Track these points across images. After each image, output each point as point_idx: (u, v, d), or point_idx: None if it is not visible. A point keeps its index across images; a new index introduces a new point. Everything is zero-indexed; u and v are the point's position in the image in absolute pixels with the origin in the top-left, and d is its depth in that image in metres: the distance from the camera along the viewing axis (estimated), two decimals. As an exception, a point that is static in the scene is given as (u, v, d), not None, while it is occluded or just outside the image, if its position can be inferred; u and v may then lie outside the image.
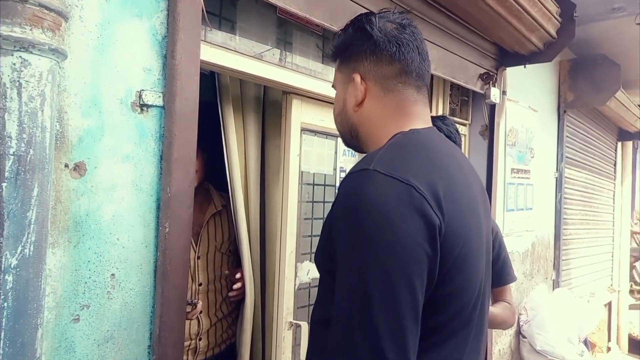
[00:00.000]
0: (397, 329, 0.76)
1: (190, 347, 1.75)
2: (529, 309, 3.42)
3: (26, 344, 0.91)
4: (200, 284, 1.77)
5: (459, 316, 0.88)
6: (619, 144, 5.72)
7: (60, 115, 1.07)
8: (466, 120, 2.96)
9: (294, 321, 1.91)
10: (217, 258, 1.81)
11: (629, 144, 6.02)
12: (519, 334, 3.45)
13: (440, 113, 2.74)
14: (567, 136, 4.16)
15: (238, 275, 1.81)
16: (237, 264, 1.92)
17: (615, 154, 5.66)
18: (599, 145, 5.03)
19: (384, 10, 1.00)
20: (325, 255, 0.91)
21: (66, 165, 1.08)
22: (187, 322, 1.69)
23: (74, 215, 1.10)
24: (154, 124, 1.25)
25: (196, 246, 1.78)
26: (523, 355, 3.39)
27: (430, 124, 1.00)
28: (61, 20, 0.95)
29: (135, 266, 1.22)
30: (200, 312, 1.76)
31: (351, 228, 0.79)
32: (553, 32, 2.69)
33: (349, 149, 1.20)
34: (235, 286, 1.82)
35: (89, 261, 1.13)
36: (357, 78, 0.98)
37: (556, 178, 4.05)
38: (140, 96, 1.22)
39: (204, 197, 1.87)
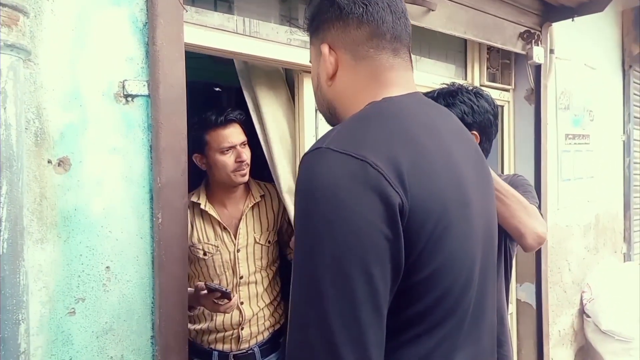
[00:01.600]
0: (352, 322, 0.68)
1: (233, 336, 1.75)
2: (592, 286, 3.16)
3: (7, 339, 0.92)
4: (241, 277, 1.75)
5: (443, 303, 0.77)
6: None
7: (38, 112, 1.07)
8: (509, 85, 2.73)
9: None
10: (256, 250, 1.78)
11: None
12: (582, 312, 3.20)
13: (477, 81, 2.55)
14: (635, 94, 3.76)
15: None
16: (279, 255, 1.90)
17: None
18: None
19: None
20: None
21: (49, 161, 1.09)
22: (229, 313, 1.68)
23: (61, 211, 1.11)
24: (140, 114, 1.23)
25: (235, 239, 1.76)
26: (587, 336, 3.14)
27: (412, 89, 0.88)
28: (18, 15, 0.93)
29: (131, 258, 1.22)
30: (242, 303, 1.76)
31: (303, 212, 0.72)
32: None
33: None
34: None
35: (81, 255, 1.14)
36: (325, 49, 0.89)
37: (623, 141, 3.68)
38: (123, 86, 1.20)
39: (243, 189, 1.85)
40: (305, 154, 0.76)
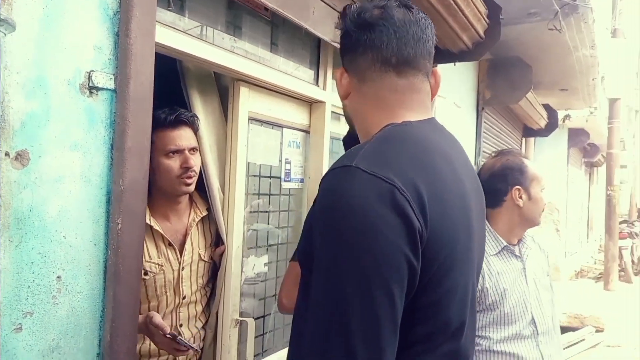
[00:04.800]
0: (374, 339, 0.72)
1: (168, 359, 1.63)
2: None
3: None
4: (184, 297, 1.62)
5: (448, 325, 0.85)
6: (524, 140, 6.22)
7: (1, 96, 0.92)
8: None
9: (240, 318, 1.85)
10: (200, 267, 1.67)
11: (531, 140, 6.57)
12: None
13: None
14: (484, 132, 4.43)
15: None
16: (213, 272, 1.80)
17: (521, 149, 6.15)
18: (509, 140, 5.43)
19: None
20: (306, 254, 0.86)
21: (7, 154, 0.94)
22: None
23: (15, 211, 0.96)
24: (104, 109, 1.13)
25: (180, 256, 1.62)
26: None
27: (428, 114, 0.95)
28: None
29: (84, 267, 1.10)
30: (181, 325, 1.64)
31: (330, 229, 0.75)
32: (481, 33, 2.84)
33: None
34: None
35: (32, 262, 0.99)
36: (337, 73, 0.99)
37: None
38: (90, 77, 1.09)
39: (188, 201, 1.70)
40: (333, 170, 0.80)
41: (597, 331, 6.08)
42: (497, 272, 1.60)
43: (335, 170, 0.80)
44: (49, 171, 1.02)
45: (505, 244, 1.66)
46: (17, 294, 0.97)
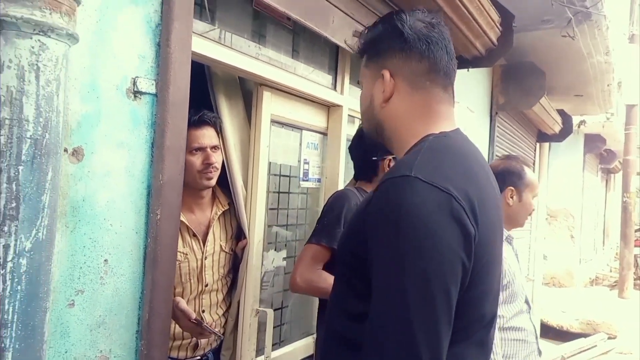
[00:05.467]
0: (434, 335, 0.79)
1: (190, 344, 1.74)
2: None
3: (36, 327, 0.91)
4: (206, 285, 1.75)
5: (482, 319, 0.93)
6: (538, 145, 6.26)
7: (64, 100, 1.05)
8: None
9: (260, 308, 1.97)
10: (221, 258, 1.81)
11: (546, 145, 6.60)
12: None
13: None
14: (497, 136, 4.50)
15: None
16: (234, 264, 1.93)
17: (534, 154, 6.19)
18: (523, 145, 5.48)
19: (414, 9, 1.00)
20: (351, 254, 0.93)
21: (65, 150, 1.07)
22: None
23: (71, 200, 1.09)
24: (146, 112, 1.26)
25: (203, 246, 1.75)
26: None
27: (455, 125, 1.01)
28: (75, 5, 0.94)
29: (127, 252, 1.23)
30: (203, 311, 1.77)
31: (391, 235, 0.80)
32: (494, 40, 2.93)
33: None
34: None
35: (84, 246, 1.12)
36: (387, 74, 0.98)
37: (487, 175, 4.37)
38: (135, 83, 1.22)
39: (211, 195, 1.84)
40: (391, 179, 0.86)
41: (609, 338, 6.08)
42: (504, 256, 1.77)
43: (395, 179, 0.84)
44: (99, 166, 1.15)
45: (508, 233, 1.88)
46: (71, 273, 1.10)
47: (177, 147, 1.29)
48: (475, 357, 0.94)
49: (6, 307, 0.86)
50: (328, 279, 1.58)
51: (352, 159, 1.96)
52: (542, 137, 6.01)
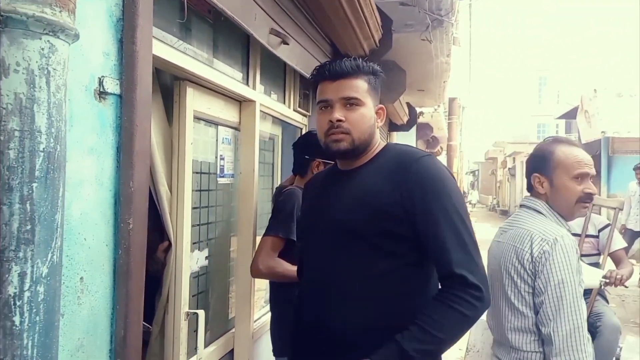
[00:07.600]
0: (474, 244, 1.21)
1: None
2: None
3: (54, 359, 0.82)
4: None
5: None
6: (388, 134, 6.93)
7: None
8: (307, 112, 3.26)
9: (190, 310, 1.92)
10: None
11: (394, 134, 7.34)
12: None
13: (292, 104, 2.97)
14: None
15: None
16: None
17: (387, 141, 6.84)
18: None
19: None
20: (385, 221, 1.20)
21: (43, 160, 0.95)
22: None
23: (50, 216, 0.97)
24: (111, 114, 1.16)
25: None
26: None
27: None
28: (75, 1, 0.85)
29: (99, 267, 1.13)
30: None
31: (452, 184, 1.24)
32: (377, 41, 3.20)
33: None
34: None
35: (63, 265, 1.01)
36: (382, 107, 1.38)
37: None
38: (101, 83, 1.12)
39: None
40: (427, 155, 1.26)
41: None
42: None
43: (429, 156, 1.26)
44: (73, 175, 1.04)
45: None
46: (53, 296, 0.98)
47: (145, 152, 1.22)
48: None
49: (24, 341, 0.76)
50: (284, 265, 1.87)
51: (294, 154, 2.12)
52: (394, 127, 6.67)
